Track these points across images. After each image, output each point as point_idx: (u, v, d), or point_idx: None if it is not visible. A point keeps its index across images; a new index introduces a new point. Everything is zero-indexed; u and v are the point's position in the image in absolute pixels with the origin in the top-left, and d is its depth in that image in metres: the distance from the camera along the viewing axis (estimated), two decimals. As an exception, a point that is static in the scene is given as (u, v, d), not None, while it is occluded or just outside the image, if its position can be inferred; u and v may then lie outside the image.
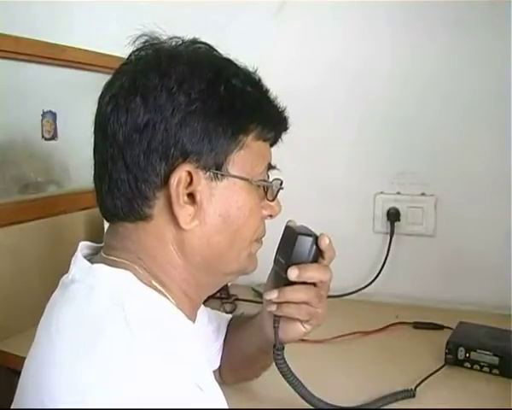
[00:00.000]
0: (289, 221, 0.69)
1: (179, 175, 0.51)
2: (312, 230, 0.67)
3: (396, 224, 1.25)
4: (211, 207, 0.54)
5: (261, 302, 0.74)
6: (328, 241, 0.64)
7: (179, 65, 0.53)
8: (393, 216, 1.25)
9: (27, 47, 1.05)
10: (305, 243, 0.64)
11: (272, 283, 0.69)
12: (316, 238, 0.65)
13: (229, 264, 0.59)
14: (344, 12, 1.25)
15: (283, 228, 0.68)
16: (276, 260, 0.68)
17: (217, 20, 1.31)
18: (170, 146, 0.51)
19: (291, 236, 0.65)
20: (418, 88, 1.21)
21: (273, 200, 0.62)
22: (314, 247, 0.64)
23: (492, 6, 1.12)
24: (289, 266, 0.63)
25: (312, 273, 0.64)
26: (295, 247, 0.64)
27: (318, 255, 0.65)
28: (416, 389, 0.81)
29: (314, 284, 0.65)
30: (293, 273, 0.63)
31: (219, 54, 0.58)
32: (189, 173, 0.52)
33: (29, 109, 1.13)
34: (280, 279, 0.66)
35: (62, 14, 1.17)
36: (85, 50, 1.18)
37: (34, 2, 1.09)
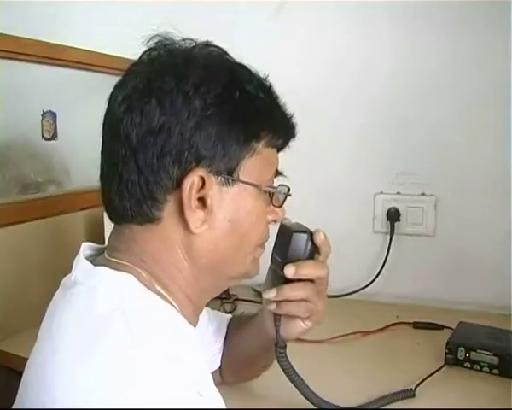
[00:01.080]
0: (283, 219, 0.68)
1: (192, 179, 0.51)
2: (307, 226, 0.67)
3: (396, 224, 1.25)
4: (221, 212, 0.54)
5: (261, 302, 0.74)
6: (323, 236, 0.65)
7: (195, 68, 0.53)
8: (393, 216, 1.25)
9: (27, 47, 1.05)
10: (301, 240, 0.65)
11: (270, 281, 0.69)
12: (311, 234, 0.65)
13: (235, 268, 0.59)
14: (345, 12, 1.25)
15: (278, 226, 0.68)
16: (272, 259, 0.68)
17: (218, 21, 1.30)
18: (184, 150, 0.51)
19: (286, 234, 0.66)
20: (419, 88, 1.21)
21: (279, 206, 0.62)
22: (309, 243, 0.65)
23: (493, 5, 1.12)
24: (286, 264, 0.64)
25: (309, 270, 0.64)
26: (291, 244, 0.64)
27: (314, 251, 0.65)
28: (415, 389, 0.81)
29: (312, 281, 0.65)
30: (289, 271, 0.63)
31: (231, 58, 0.58)
32: (202, 178, 0.52)
33: (29, 109, 1.13)
34: (278, 277, 0.66)
35: (62, 15, 1.17)
36: (85, 50, 1.18)
37: (34, 3, 1.09)
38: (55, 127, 1.18)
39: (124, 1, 1.28)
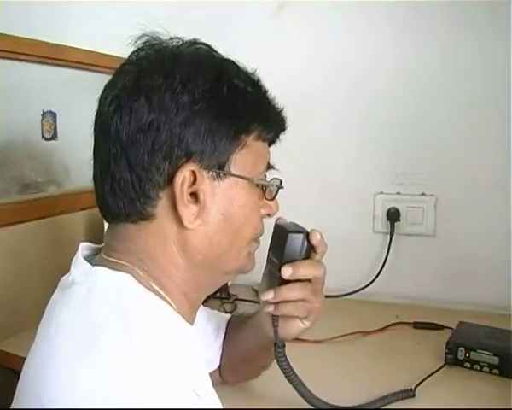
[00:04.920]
0: (278, 219, 0.68)
1: (183, 174, 0.52)
2: (302, 225, 0.67)
3: (396, 224, 1.25)
4: (213, 207, 0.54)
5: (261, 302, 0.74)
6: (319, 236, 0.64)
7: (183, 65, 0.54)
8: (393, 216, 1.25)
9: (27, 47, 1.05)
10: (297, 241, 0.64)
11: (267, 282, 0.69)
12: (306, 234, 0.65)
13: (230, 263, 0.59)
14: (345, 12, 1.25)
15: (273, 227, 0.68)
16: (268, 260, 0.68)
17: (217, 21, 1.30)
18: (174, 146, 0.51)
19: (281, 234, 0.65)
20: (419, 88, 1.21)
21: (272, 199, 0.62)
22: (305, 243, 0.64)
23: (494, 6, 1.12)
24: (282, 265, 0.63)
25: (306, 270, 0.64)
26: (287, 245, 0.64)
27: (310, 251, 0.65)
28: (415, 389, 0.81)
29: (309, 280, 0.65)
30: (286, 272, 0.63)
31: (219, 54, 0.59)
32: (193, 173, 0.52)
33: (29, 109, 1.13)
34: (274, 279, 0.66)
35: (62, 15, 1.17)
36: (85, 50, 1.18)
37: (34, 2, 1.09)
38: (55, 127, 1.18)
39: (124, 1, 1.28)
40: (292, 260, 0.64)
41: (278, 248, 0.65)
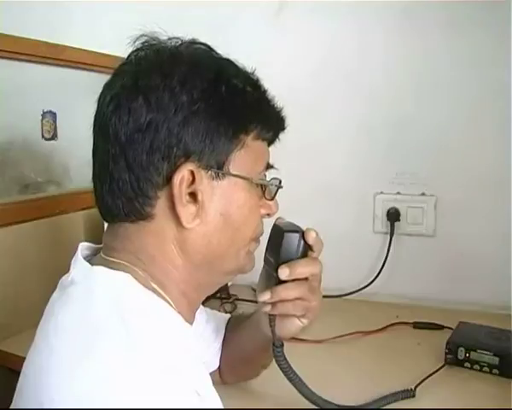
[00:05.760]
0: (277, 219, 0.68)
1: (182, 174, 0.52)
2: (301, 225, 0.67)
3: (396, 224, 1.25)
4: (212, 206, 0.54)
5: (261, 302, 0.74)
6: (314, 235, 0.65)
7: (181, 65, 0.54)
8: (393, 216, 1.25)
9: (27, 47, 1.05)
10: (293, 240, 0.65)
11: (264, 282, 0.69)
12: (302, 233, 0.65)
13: (229, 262, 0.59)
14: (345, 13, 1.25)
15: (271, 227, 0.68)
16: (266, 260, 0.68)
17: (216, 22, 1.30)
18: (172, 145, 0.51)
19: (278, 234, 0.66)
20: (419, 88, 1.21)
21: (271, 199, 0.62)
22: (302, 242, 0.65)
23: (490, 6, 1.11)
24: (279, 265, 0.63)
25: (302, 269, 0.64)
26: (283, 245, 0.64)
27: (307, 249, 0.65)
28: (415, 389, 0.81)
29: (306, 279, 0.65)
30: (283, 272, 0.63)
31: (217, 54, 0.59)
32: (192, 172, 0.52)
33: (29, 109, 1.13)
34: (271, 278, 0.66)
35: (62, 14, 1.17)
36: (85, 50, 1.18)
37: (34, 2, 1.09)
38: (55, 127, 1.18)
39: (124, 1, 1.28)
40: (288, 260, 0.64)
41: (275, 247, 0.66)
